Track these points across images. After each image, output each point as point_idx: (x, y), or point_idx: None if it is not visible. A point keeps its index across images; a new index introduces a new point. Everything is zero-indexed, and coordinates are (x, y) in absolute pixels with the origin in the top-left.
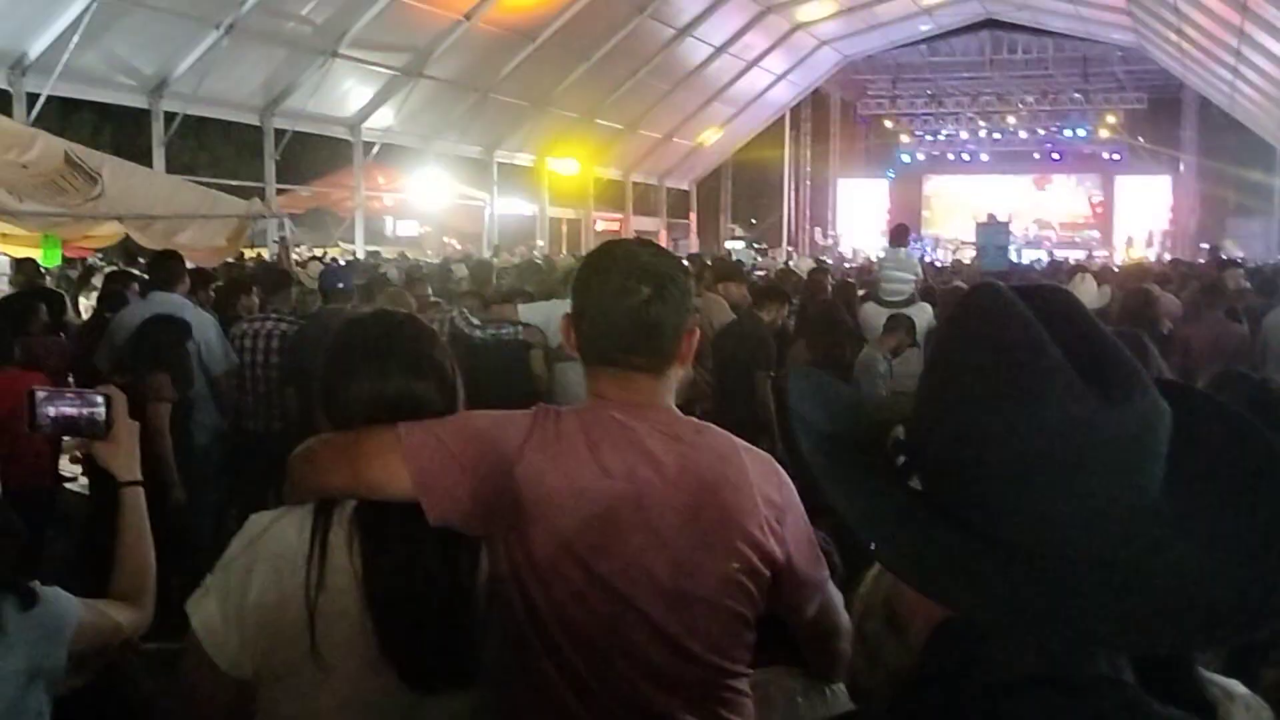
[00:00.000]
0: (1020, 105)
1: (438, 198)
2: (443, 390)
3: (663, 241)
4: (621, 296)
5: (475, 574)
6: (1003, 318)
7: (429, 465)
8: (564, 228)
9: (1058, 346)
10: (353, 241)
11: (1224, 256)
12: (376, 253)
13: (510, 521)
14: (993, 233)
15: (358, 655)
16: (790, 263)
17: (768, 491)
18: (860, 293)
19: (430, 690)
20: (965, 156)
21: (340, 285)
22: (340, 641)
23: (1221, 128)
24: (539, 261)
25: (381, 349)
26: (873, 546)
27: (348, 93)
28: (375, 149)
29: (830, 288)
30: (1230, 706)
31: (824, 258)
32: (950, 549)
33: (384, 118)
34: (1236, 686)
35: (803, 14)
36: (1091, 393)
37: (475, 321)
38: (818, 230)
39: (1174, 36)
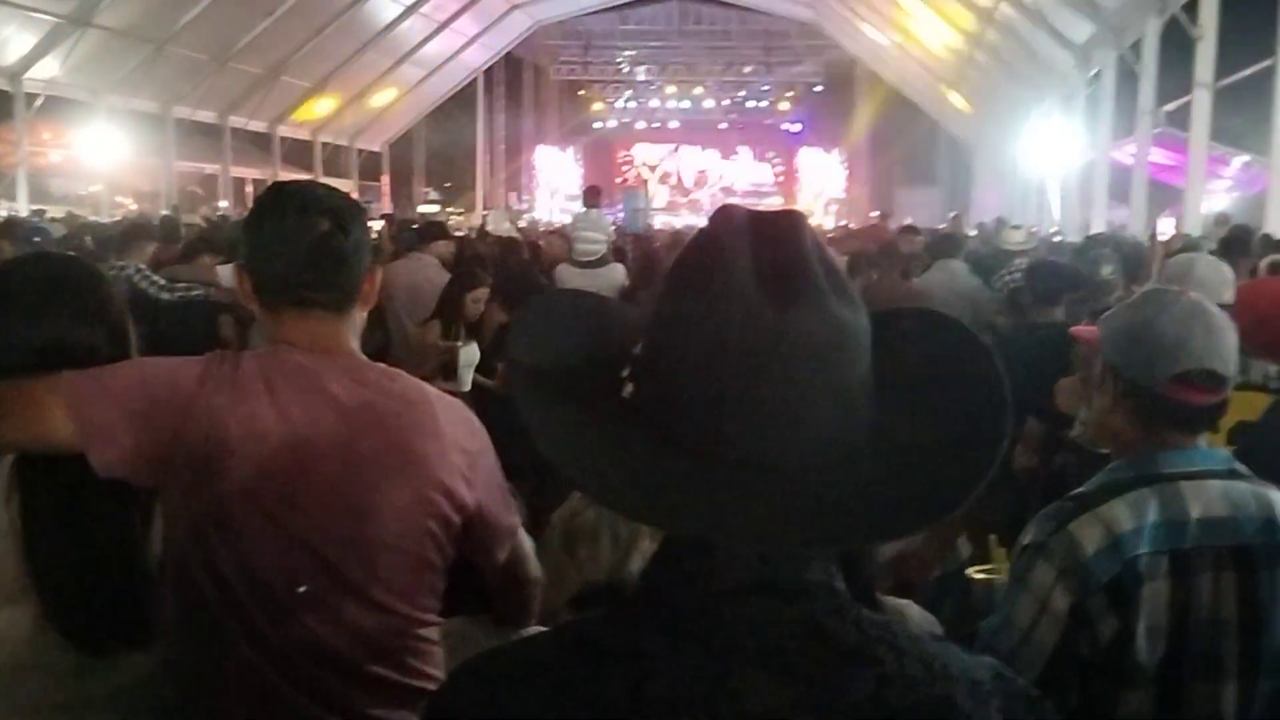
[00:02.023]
0: (707, 76)
1: (110, 155)
2: (113, 339)
3: None
4: (300, 230)
5: (148, 528)
6: (712, 234)
7: (92, 414)
8: (249, 188)
9: (750, 258)
10: (14, 199)
11: (893, 225)
12: (41, 211)
13: (185, 470)
14: (632, 198)
15: (24, 614)
16: (488, 224)
17: (459, 438)
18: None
19: (100, 651)
20: (657, 125)
21: (37, 239)
22: (4, 600)
23: (891, 103)
24: (218, 221)
25: (44, 293)
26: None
27: (7, 40)
28: (39, 101)
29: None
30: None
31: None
32: (653, 470)
33: (48, 68)
34: (910, 607)
35: None
36: (765, 299)
37: (160, 281)
38: (513, 195)
39: (847, 14)
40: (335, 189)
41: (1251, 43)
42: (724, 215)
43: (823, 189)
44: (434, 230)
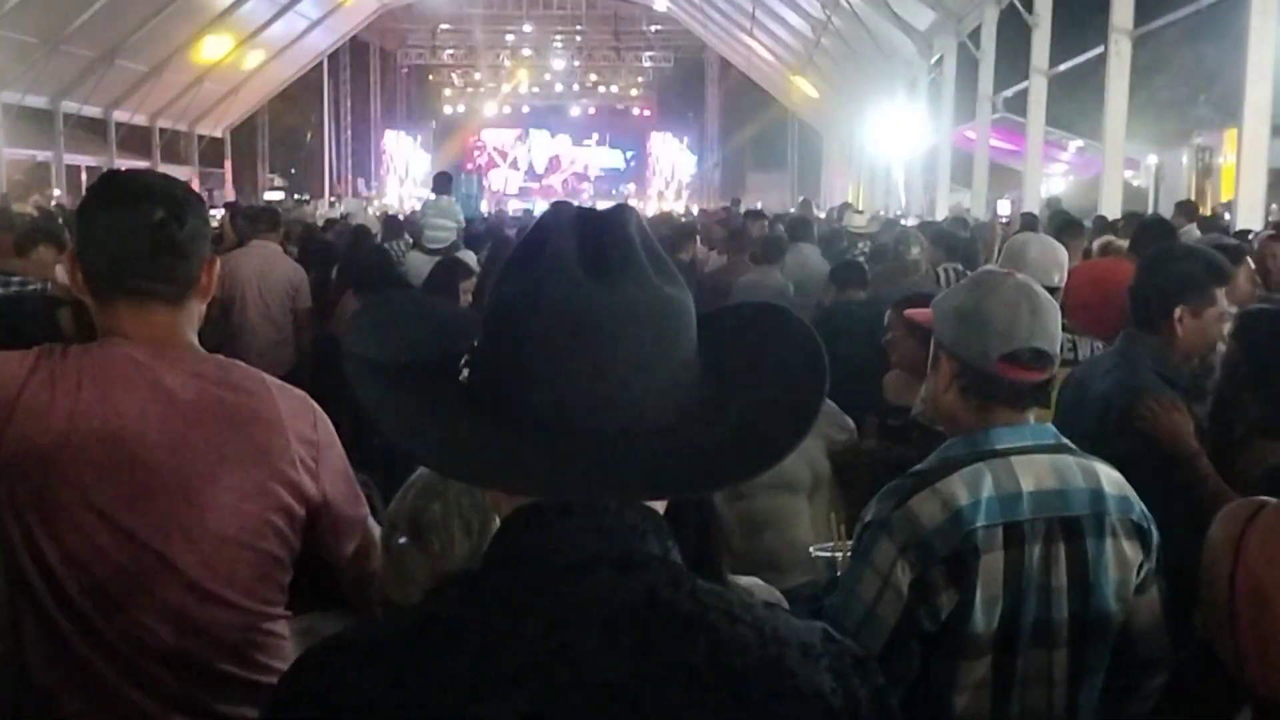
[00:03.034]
0: (557, 60)
1: None
2: None
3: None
4: (133, 219)
5: None
6: (542, 223)
7: None
8: (83, 175)
9: (575, 240)
10: None
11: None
12: None
13: (10, 469)
14: (466, 184)
15: None
16: (343, 209)
17: (301, 428)
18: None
19: None
20: (507, 110)
21: None
22: None
23: (742, 88)
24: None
25: None
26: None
27: None
28: None
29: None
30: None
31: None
32: (485, 439)
33: None
34: (757, 584)
35: None
36: (587, 275)
37: None
38: (360, 181)
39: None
40: (170, 177)
41: (1084, 31)
42: (555, 208)
43: (675, 174)
44: (266, 217)
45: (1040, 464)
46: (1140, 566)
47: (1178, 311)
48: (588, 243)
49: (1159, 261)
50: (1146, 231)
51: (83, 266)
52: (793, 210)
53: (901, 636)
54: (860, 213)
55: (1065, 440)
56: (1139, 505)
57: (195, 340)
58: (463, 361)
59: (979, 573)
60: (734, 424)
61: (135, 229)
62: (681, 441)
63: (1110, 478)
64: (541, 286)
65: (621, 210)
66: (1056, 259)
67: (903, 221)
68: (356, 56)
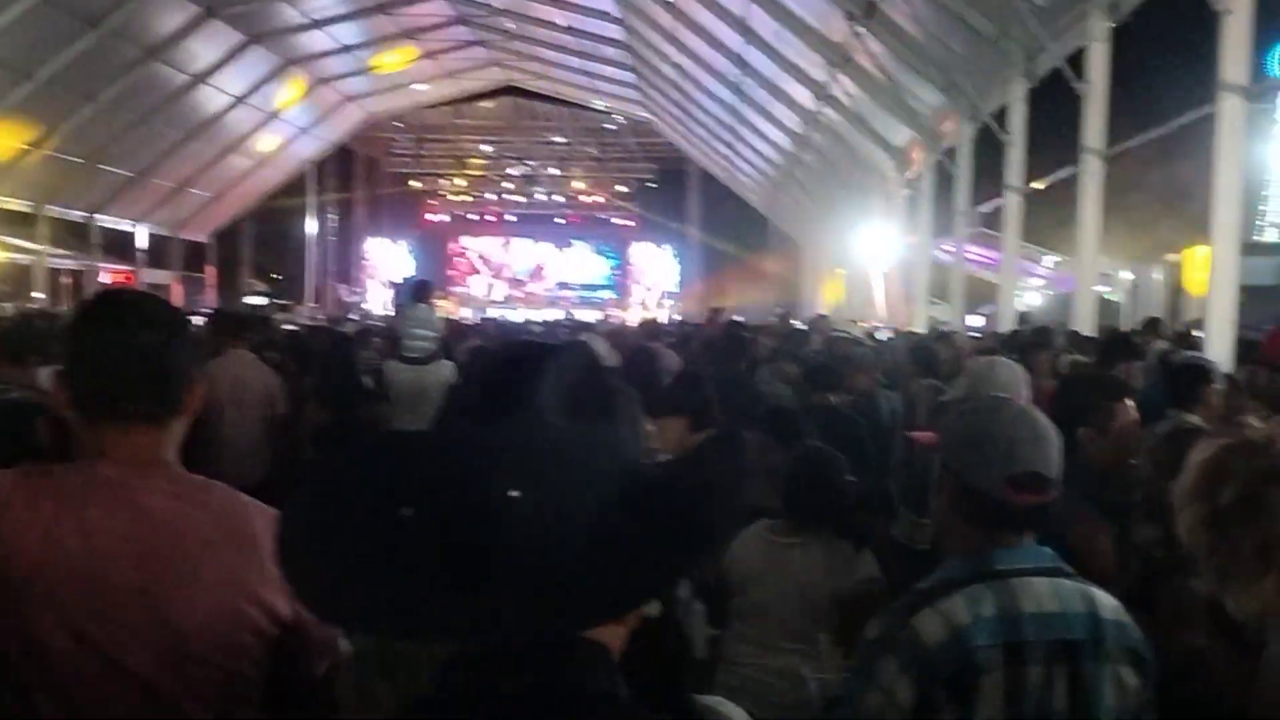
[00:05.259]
0: (541, 171)
1: None
2: None
3: (176, 294)
4: (126, 342)
5: None
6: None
7: None
8: (65, 279)
9: (479, 382)
10: None
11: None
12: None
13: None
14: (417, 290)
15: None
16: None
17: None
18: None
19: None
20: (490, 218)
21: None
22: None
23: (722, 199)
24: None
25: None
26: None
27: None
28: None
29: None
30: None
31: (351, 314)
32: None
33: None
34: (723, 704)
35: (326, 69)
36: (472, 415)
37: None
38: (342, 287)
39: (679, 113)
40: (161, 299)
41: (1059, 149)
42: (480, 351)
43: (656, 281)
44: (232, 323)
45: (1040, 586)
46: (1138, 692)
47: (1081, 433)
48: (490, 384)
49: (1061, 389)
50: (1108, 349)
51: (71, 385)
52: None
53: None
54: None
55: (1063, 564)
56: (1137, 633)
57: (176, 459)
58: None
59: (981, 692)
60: (623, 555)
61: (126, 353)
62: (570, 573)
63: (1107, 604)
64: (442, 430)
65: (537, 351)
66: (1020, 377)
67: (880, 332)
68: (342, 163)
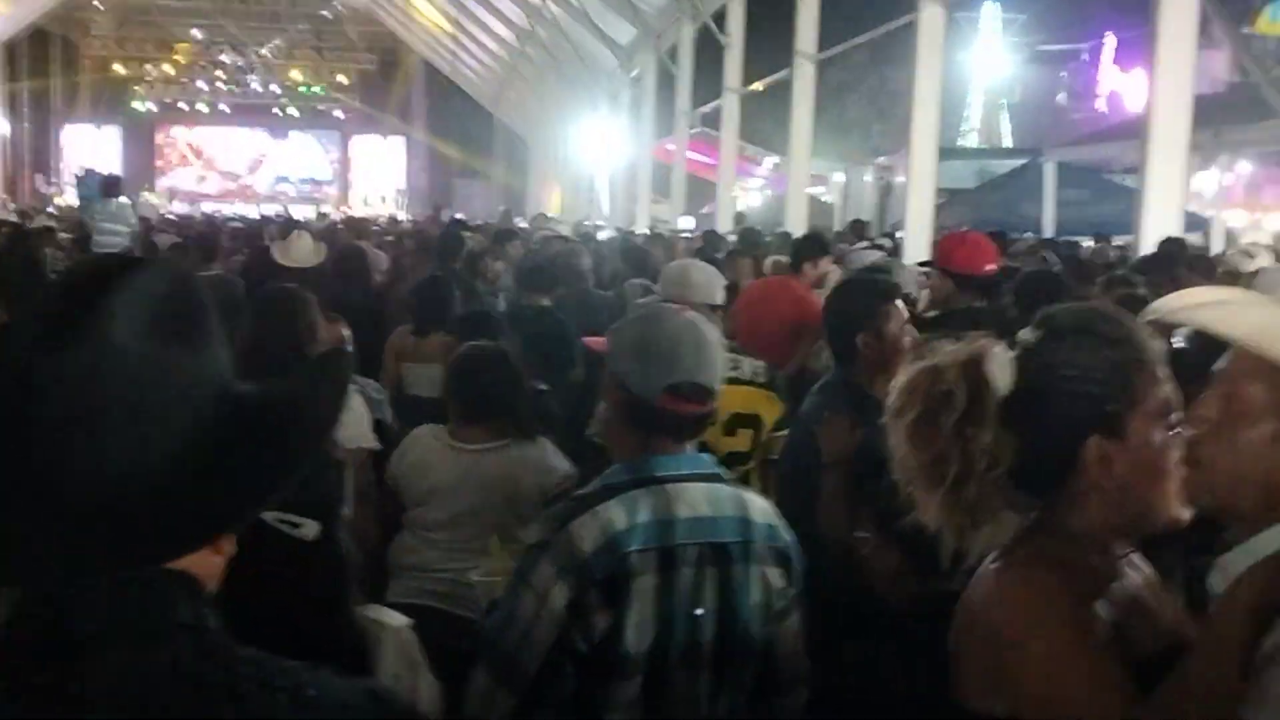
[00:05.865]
0: (256, 58)
1: None
2: None
3: None
4: None
5: None
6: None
7: None
8: None
9: (41, 311)
10: None
11: (444, 218)
12: None
13: None
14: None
15: None
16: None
17: None
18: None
19: None
20: (203, 107)
21: None
22: None
23: (448, 94)
24: None
25: None
26: None
27: None
28: None
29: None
30: (381, 634)
31: (50, 208)
32: None
33: None
34: (392, 617)
35: None
36: (39, 342)
37: None
38: (39, 177)
39: (400, 1)
40: None
41: (776, 53)
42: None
43: (382, 179)
44: None
45: (695, 492)
46: (783, 592)
47: (860, 338)
48: (49, 313)
49: (835, 296)
50: (801, 249)
51: None
52: (493, 220)
53: (557, 656)
54: (560, 222)
55: (722, 470)
56: (786, 534)
57: None
58: None
59: (633, 595)
60: (210, 483)
61: None
62: (163, 500)
63: (758, 506)
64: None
65: (109, 273)
66: (716, 280)
67: (602, 232)
68: (36, 44)
